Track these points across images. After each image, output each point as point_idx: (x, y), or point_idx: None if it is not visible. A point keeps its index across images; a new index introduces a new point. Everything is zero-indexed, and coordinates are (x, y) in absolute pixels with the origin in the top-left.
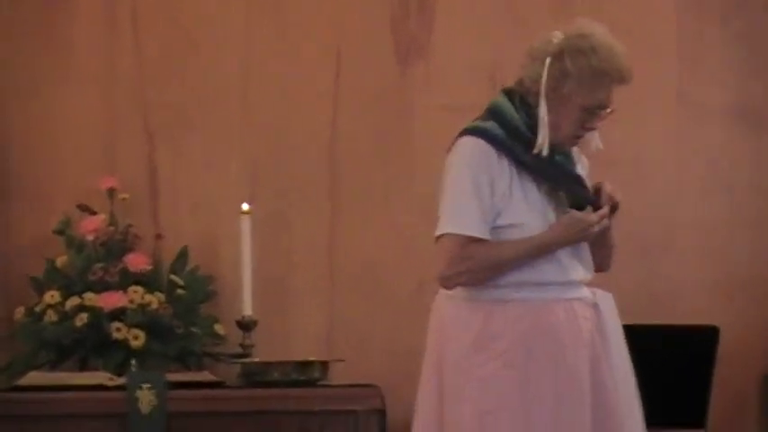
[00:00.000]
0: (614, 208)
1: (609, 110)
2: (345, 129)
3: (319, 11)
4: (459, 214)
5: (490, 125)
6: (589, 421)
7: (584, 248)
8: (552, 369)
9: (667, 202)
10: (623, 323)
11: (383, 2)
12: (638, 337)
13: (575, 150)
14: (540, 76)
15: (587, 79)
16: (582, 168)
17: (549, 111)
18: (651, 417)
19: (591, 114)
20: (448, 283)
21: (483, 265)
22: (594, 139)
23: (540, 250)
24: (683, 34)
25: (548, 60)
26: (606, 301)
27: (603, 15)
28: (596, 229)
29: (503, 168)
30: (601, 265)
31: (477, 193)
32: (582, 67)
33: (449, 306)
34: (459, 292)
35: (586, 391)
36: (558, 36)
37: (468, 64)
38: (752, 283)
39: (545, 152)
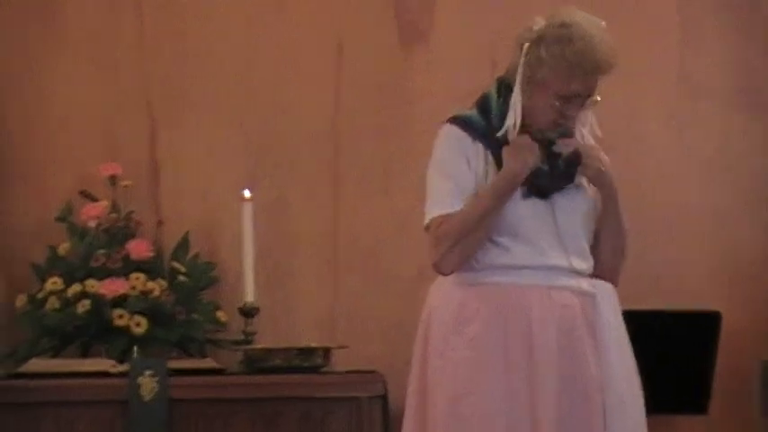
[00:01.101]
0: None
1: (593, 98)
2: (347, 113)
3: None
4: (433, 200)
5: (471, 113)
6: (552, 411)
7: (573, 235)
8: (518, 355)
9: (669, 185)
10: (625, 308)
11: None
12: (639, 322)
13: (583, 135)
14: (519, 64)
15: (561, 69)
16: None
17: (527, 97)
18: (653, 403)
19: (567, 102)
20: (440, 268)
21: (457, 235)
22: (587, 125)
23: (498, 189)
24: (684, 16)
25: (525, 46)
26: (605, 292)
27: None
28: (528, 144)
29: (478, 153)
30: (610, 266)
31: (449, 173)
32: (556, 57)
33: (435, 292)
34: (449, 276)
35: (554, 378)
36: (539, 23)
37: (470, 49)
38: (754, 267)
39: (511, 136)
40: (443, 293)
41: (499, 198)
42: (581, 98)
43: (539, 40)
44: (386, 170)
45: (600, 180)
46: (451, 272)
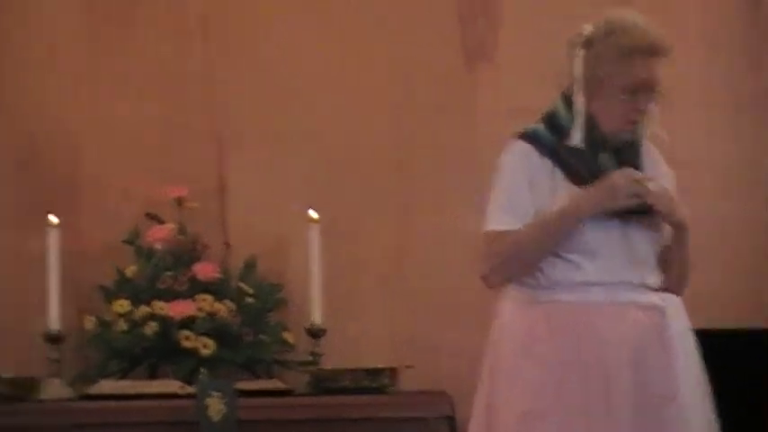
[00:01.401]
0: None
1: (657, 88)
2: (412, 133)
3: (386, 14)
4: (491, 213)
5: (538, 127)
6: (628, 427)
7: (643, 249)
8: (592, 373)
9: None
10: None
11: (450, 4)
12: (703, 340)
13: (651, 153)
14: (575, 68)
15: (620, 58)
16: (653, 166)
17: (593, 100)
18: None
19: (634, 94)
20: (487, 281)
21: (508, 253)
22: (653, 125)
23: (566, 216)
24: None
25: (580, 50)
26: (674, 306)
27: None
28: (624, 183)
29: (545, 168)
30: (676, 283)
31: (509, 189)
32: (611, 48)
33: (503, 311)
34: (512, 294)
35: (629, 395)
36: (587, 28)
37: (536, 66)
38: None
39: (580, 142)
40: (513, 312)
41: (558, 230)
42: (647, 87)
43: (590, 42)
44: (450, 190)
45: (671, 221)
46: (496, 287)
